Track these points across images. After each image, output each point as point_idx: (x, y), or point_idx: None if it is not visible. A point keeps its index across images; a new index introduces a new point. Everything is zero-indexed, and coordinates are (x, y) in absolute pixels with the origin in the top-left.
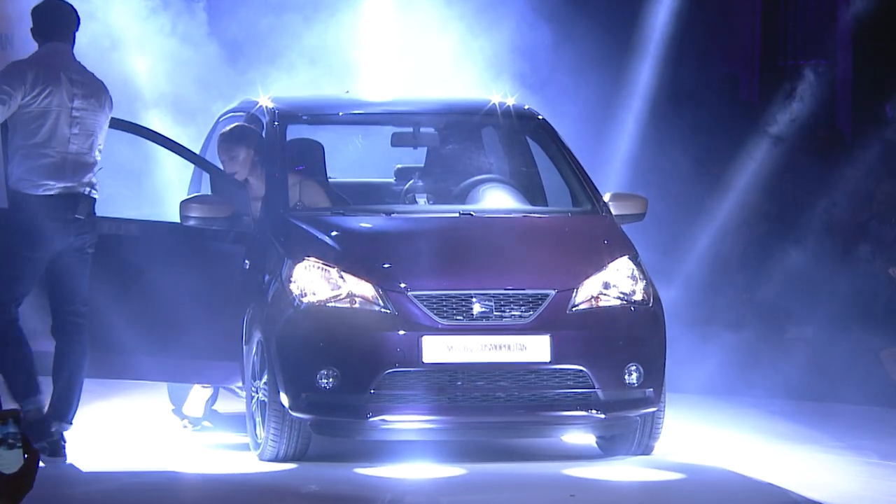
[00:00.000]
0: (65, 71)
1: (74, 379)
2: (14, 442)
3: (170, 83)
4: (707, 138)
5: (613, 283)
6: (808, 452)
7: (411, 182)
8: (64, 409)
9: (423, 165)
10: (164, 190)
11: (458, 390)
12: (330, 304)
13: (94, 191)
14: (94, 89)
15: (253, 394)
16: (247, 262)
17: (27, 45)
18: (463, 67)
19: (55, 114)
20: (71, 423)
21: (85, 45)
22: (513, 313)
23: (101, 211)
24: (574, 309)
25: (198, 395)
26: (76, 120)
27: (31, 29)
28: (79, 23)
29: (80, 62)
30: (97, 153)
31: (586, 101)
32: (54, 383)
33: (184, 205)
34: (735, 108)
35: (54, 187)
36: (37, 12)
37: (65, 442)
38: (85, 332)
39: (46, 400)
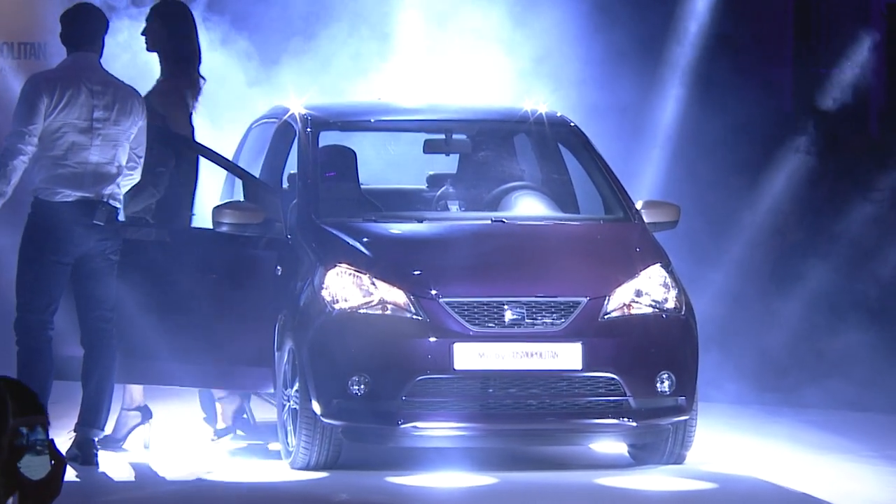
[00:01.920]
0: (86, 82)
1: (103, 385)
2: (41, 448)
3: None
4: (739, 147)
5: (645, 290)
6: (841, 462)
7: (443, 189)
8: (94, 415)
9: (454, 172)
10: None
11: (489, 397)
12: (362, 311)
13: (115, 200)
14: (119, 99)
15: (284, 402)
16: (279, 268)
17: (61, 54)
18: (495, 75)
19: (75, 126)
20: (102, 429)
21: (117, 53)
22: (544, 320)
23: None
24: (606, 316)
25: (223, 409)
26: (97, 131)
27: (60, 35)
28: (107, 27)
29: (105, 71)
30: (123, 162)
31: (617, 111)
32: (84, 389)
33: (217, 211)
34: (768, 117)
35: (72, 195)
36: (65, 19)
37: (97, 450)
38: (112, 337)
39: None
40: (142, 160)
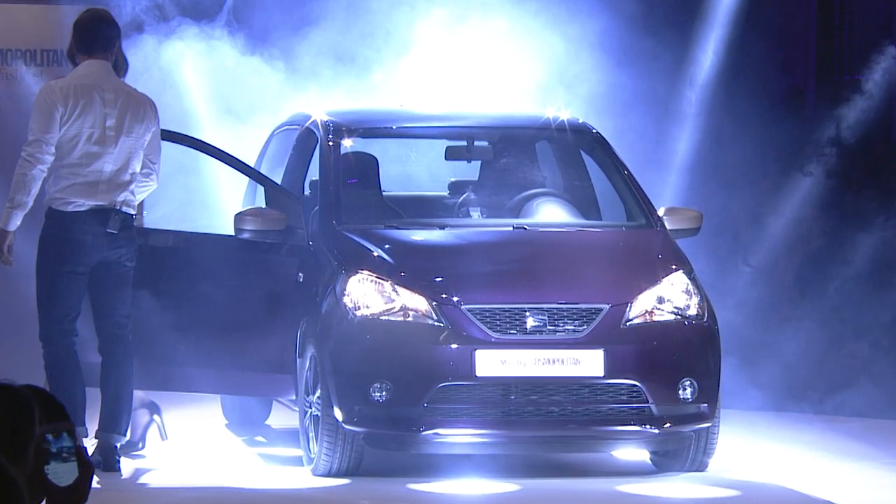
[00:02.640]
0: (99, 91)
1: (122, 390)
2: (68, 455)
3: (224, 97)
4: (761, 154)
5: (668, 297)
6: (865, 469)
7: (465, 195)
8: (114, 421)
9: (476, 179)
10: (215, 201)
11: (511, 404)
12: (383, 318)
13: (129, 207)
14: (131, 106)
15: (306, 408)
16: (300, 275)
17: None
18: (516, 81)
19: (87, 135)
20: (123, 435)
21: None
22: (566, 327)
23: (152, 222)
24: (628, 323)
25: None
26: (110, 139)
27: (71, 43)
28: (119, 34)
29: (117, 78)
30: (137, 169)
31: (639, 115)
32: (102, 395)
33: (238, 217)
34: (791, 123)
35: (85, 205)
36: (77, 27)
37: (119, 456)
38: (128, 342)
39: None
40: (157, 166)
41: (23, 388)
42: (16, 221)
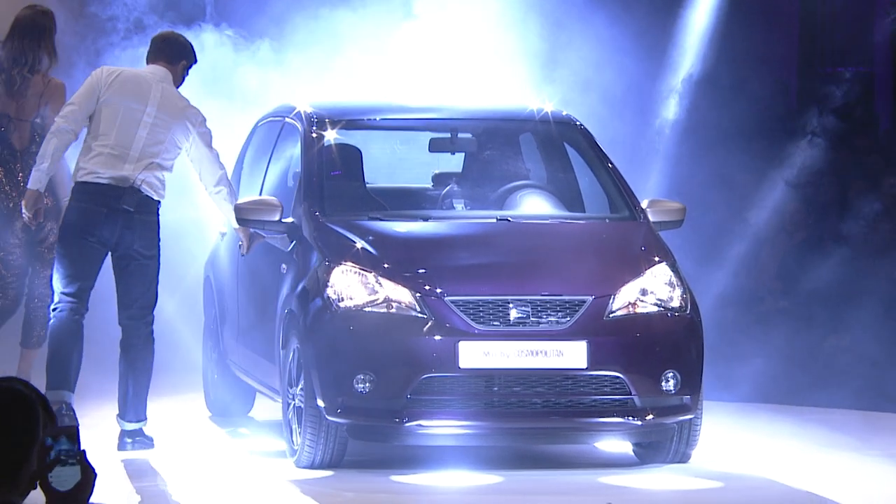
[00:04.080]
0: (145, 83)
1: (138, 387)
2: (67, 459)
3: (207, 89)
4: (744, 145)
5: (651, 289)
6: (847, 461)
7: (449, 187)
8: (122, 409)
9: (460, 171)
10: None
11: (494, 396)
12: (367, 309)
13: (149, 188)
14: (169, 105)
15: (289, 400)
16: (283, 266)
17: (71, 55)
18: (500, 73)
19: (122, 116)
20: (141, 420)
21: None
22: (550, 319)
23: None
24: (611, 315)
25: None
26: (146, 125)
27: (151, 51)
28: (194, 59)
29: (175, 89)
30: (165, 160)
31: (623, 107)
32: (119, 387)
33: (238, 208)
34: (773, 115)
35: (103, 176)
36: (154, 39)
37: (128, 440)
38: (146, 335)
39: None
40: (217, 177)
41: (28, 391)
42: (38, 180)
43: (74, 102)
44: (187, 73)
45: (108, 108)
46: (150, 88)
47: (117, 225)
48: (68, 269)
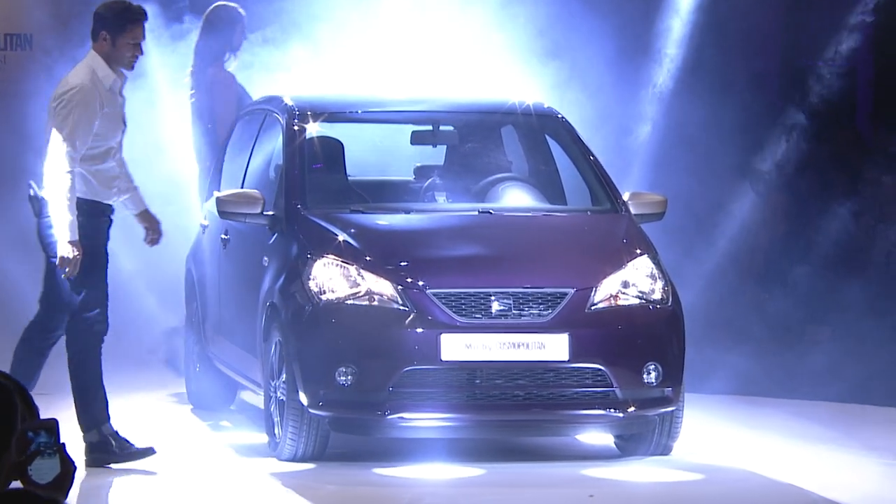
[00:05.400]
0: None
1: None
2: (46, 451)
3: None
4: (726, 139)
5: (632, 281)
6: (826, 453)
7: (430, 180)
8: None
9: (442, 164)
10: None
11: (476, 388)
12: (349, 302)
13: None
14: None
15: (271, 393)
16: (265, 259)
17: (47, 45)
18: (481, 65)
19: None
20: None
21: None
22: (531, 311)
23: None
24: (593, 308)
25: None
26: None
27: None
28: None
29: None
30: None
31: (605, 99)
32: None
33: (219, 200)
34: (755, 109)
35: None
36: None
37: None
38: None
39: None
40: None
41: (5, 381)
42: None
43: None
44: (117, 40)
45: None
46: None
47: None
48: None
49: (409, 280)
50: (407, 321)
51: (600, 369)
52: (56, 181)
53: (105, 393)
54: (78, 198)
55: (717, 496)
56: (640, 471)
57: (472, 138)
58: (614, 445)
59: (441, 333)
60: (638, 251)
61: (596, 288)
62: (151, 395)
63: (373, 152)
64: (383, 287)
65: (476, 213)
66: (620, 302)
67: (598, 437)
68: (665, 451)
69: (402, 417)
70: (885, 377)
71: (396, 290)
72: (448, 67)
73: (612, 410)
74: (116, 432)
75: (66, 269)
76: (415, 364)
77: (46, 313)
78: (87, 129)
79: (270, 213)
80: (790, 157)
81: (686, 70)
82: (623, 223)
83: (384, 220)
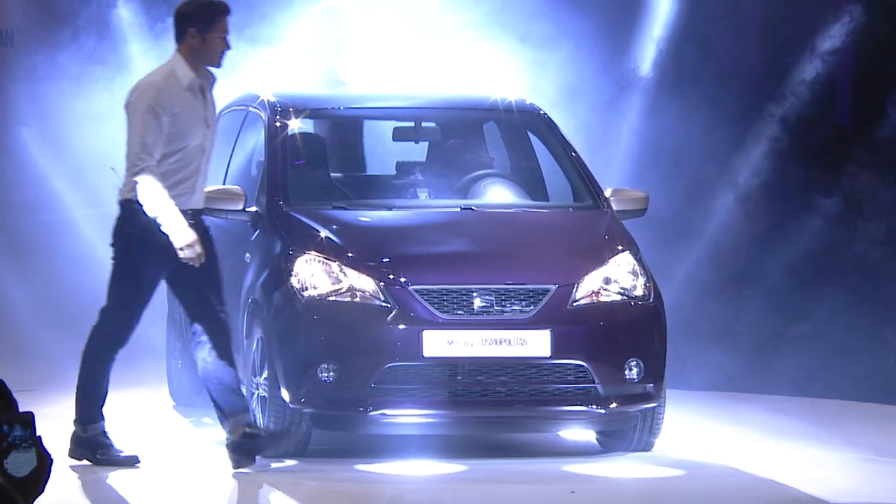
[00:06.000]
0: None
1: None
2: (22, 444)
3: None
4: (707, 135)
5: (614, 278)
6: (808, 449)
7: (412, 177)
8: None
9: (424, 160)
10: None
11: (458, 384)
12: (331, 298)
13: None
14: None
15: (253, 390)
16: (247, 255)
17: (28, 41)
18: (465, 62)
19: None
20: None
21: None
22: (513, 308)
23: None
24: (575, 304)
25: None
26: None
27: None
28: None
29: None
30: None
31: (587, 95)
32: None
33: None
34: (735, 103)
35: None
36: None
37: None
38: None
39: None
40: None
41: None
42: None
43: None
44: (202, 35)
45: None
46: None
47: None
48: None
49: (391, 276)
50: (389, 318)
51: (582, 366)
52: (140, 186)
53: (103, 394)
54: (135, 201)
55: (699, 492)
56: (621, 467)
57: (454, 135)
58: (596, 442)
59: (423, 330)
60: (619, 247)
61: (578, 284)
62: (133, 392)
63: (356, 148)
64: (365, 283)
65: (458, 209)
66: (602, 298)
67: (579, 433)
68: (646, 447)
69: (384, 414)
70: (865, 374)
71: (378, 287)
72: (430, 64)
73: (593, 407)
74: (105, 434)
75: (192, 259)
76: (397, 360)
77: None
78: (155, 129)
79: (252, 209)
80: (770, 154)
81: (665, 66)
82: (605, 219)
83: (366, 217)
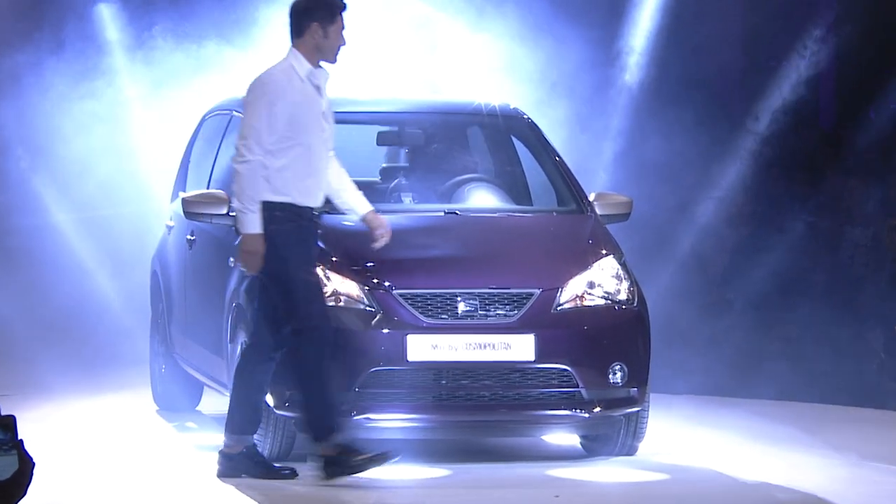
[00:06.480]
0: None
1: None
2: (3, 448)
3: (154, 83)
4: (691, 140)
5: (598, 282)
6: (791, 453)
7: (396, 181)
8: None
9: (408, 164)
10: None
11: (442, 389)
12: None
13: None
14: None
15: None
16: (231, 259)
17: (9, 38)
18: (449, 66)
19: None
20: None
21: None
22: (497, 312)
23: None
24: (559, 308)
25: None
26: None
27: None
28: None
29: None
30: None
31: (572, 103)
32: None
33: (185, 201)
34: (719, 109)
35: None
36: None
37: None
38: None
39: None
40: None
41: None
42: None
43: None
44: (323, 29)
45: None
46: None
47: None
48: None
49: (375, 281)
50: (373, 322)
51: (566, 370)
52: (237, 175)
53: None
54: (267, 200)
55: (682, 496)
56: (605, 471)
57: (438, 139)
58: (580, 446)
59: (407, 334)
60: (603, 252)
61: (562, 288)
62: (117, 396)
63: (338, 153)
64: (349, 288)
65: (442, 213)
66: (586, 302)
67: (563, 437)
68: (630, 451)
69: (368, 418)
70: (848, 378)
71: (363, 291)
72: (414, 68)
73: (577, 411)
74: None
75: (247, 267)
76: (381, 365)
77: (267, 333)
78: (271, 119)
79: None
80: (754, 159)
81: (649, 71)
82: (589, 224)
83: (350, 221)
